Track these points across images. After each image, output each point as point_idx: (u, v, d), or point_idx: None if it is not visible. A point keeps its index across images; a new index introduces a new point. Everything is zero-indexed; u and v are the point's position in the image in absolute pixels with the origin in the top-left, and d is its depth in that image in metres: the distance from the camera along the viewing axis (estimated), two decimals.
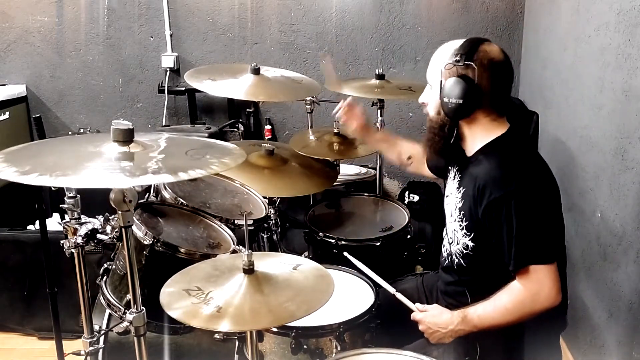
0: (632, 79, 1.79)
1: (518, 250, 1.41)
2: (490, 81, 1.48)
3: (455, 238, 1.59)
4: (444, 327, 1.53)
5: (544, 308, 1.42)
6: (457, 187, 1.60)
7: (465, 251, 1.56)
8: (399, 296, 1.65)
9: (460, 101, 1.46)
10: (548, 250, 1.43)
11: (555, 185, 1.54)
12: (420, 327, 1.58)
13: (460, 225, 1.56)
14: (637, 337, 1.76)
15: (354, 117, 2.10)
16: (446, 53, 1.53)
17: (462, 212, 1.54)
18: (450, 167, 1.68)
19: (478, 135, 1.55)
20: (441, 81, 1.51)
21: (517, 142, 1.55)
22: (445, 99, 1.49)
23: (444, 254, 1.69)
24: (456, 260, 1.60)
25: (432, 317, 1.56)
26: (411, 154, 2.04)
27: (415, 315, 1.60)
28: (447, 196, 1.67)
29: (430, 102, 1.60)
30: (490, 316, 1.47)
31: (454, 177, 1.64)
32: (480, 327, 1.49)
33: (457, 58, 1.47)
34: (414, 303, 1.63)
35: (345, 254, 1.85)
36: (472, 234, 1.53)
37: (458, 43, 1.52)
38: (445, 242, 1.69)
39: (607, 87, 1.97)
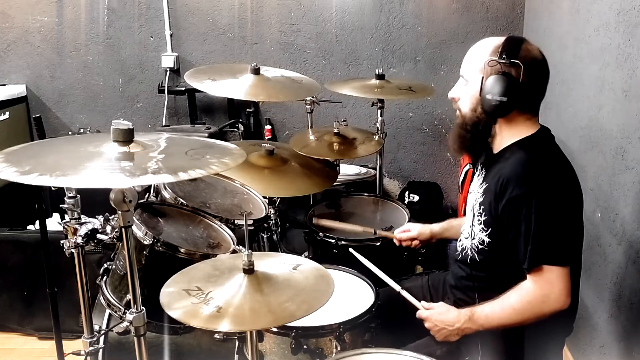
0: (632, 79, 1.79)
1: (534, 248, 1.41)
2: (531, 80, 1.47)
3: (472, 233, 1.58)
4: (450, 325, 1.53)
5: (552, 310, 1.42)
6: (480, 183, 1.59)
7: (480, 246, 1.55)
8: (405, 294, 1.65)
9: (504, 99, 1.45)
10: (563, 253, 1.43)
11: (579, 191, 1.52)
12: (426, 325, 1.58)
13: (478, 220, 1.55)
14: (637, 337, 1.76)
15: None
16: (485, 49, 1.51)
17: (482, 207, 1.54)
18: (476, 166, 1.68)
19: (509, 134, 1.54)
20: (482, 77, 1.49)
21: (546, 143, 1.54)
22: (489, 96, 1.46)
23: (459, 248, 1.68)
24: (470, 254, 1.60)
25: (438, 314, 1.56)
26: None
27: (421, 313, 1.60)
28: (470, 193, 1.67)
29: (464, 97, 1.57)
30: (498, 316, 1.47)
31: (479, 173, 1.64)
32: (487, 326, 1.49)
33: (503, 55, 1.45)
34: (419, 302, 1.63)
35: (351, 250, 1.85)
36: (490, 230, 1.52)
37: (497, 40, 1.51)
38: (462, 236, 1.69)
39: (607, 87, 1.97)
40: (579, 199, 1.52)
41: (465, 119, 1.58)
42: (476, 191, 1.60)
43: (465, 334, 1.53)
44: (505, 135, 1.55)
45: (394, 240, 2.02)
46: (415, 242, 1.99)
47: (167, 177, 1.13)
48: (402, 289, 1.67)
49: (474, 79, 1.52)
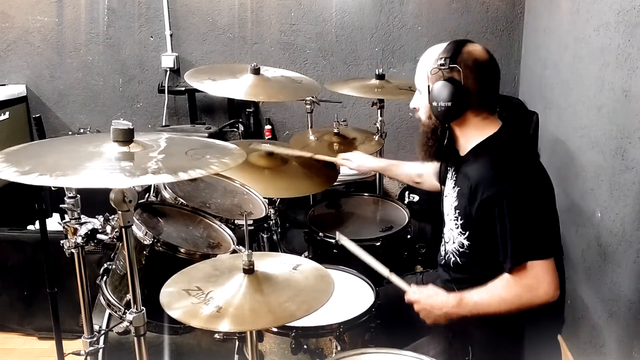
0: (632, 79, 1.79)
1: (514, 247, 1.42)
2: (476, 81, 1.49)
3: (452, 237, 1.60)
4: (438, 308, 1.53)
5: (541, 303, 1.42)
6: (453, 187, 1.61)
7: (461, 249, 1.57)
8: (394, 278, 1.65)
9: (449, 104, 1.48)
10: (544, 246, 1.43)
11: (548, 181, 1.54)
12: (416, 307, 1.58)
13: (455, 224, 1.56)
14: (637, 337, 1.76)
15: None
16: (431, 58, 1.55)
17: (458, 211, 1.56)
18: (448, 169, 1.69)
19: (470, 135, 1.56)
20: (429, 86, 1.52)
21: (509, 141, 1.55)
22: (435, 103, 1.50)
23: (442, 253, 1.70)
24: (452, 258, 1.61)
25: (427, 297, 1.56)
26: (421, 172, 2.04)
27: (410, 296, 1.60)
28: (445, 196, 1.68)
29: (421, 107, 1.62)
30: (486, 304, 1.47)
31: (451, 177, 1.65)
32: (474, 312, 1.50)
33: (442, 62, 1.49)
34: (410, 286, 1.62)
35: (338, 233, 1.85)
36: (467, 233, 1.53)
37: (440, 47, 1.54)
38: (443, 240, 1.70)
39: (607, 87, 1.97)
40: (548, 189, 1.53)
41: (424, 127, 1.62)
42: (450, 195, 1.61)
43: (453, 317, 1.53)
44: (469, 137, 1.56)
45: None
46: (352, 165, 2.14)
47: (167, 177, 1.13)
48: (390, 272, 1.67)
49: (424, 88, 1.57)
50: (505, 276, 1.45)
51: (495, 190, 1.42)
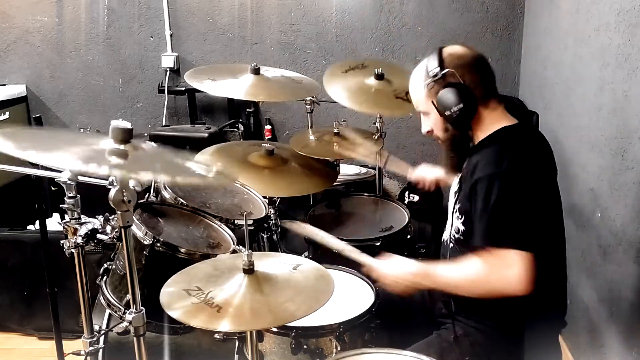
0: (632, 79, 1.79)
1: (490, 227, 1.40)
2: (472, 74, 1.50)
3: (451, 222, 1.60)
4: (403, 278, 1.52)
5: (510, 293, 1.38)
6: (460, 174, 1.61)
7: (457, 235, 1.56)
8: (349, 249, 1.66)
9: (461, 105, 1.48)
10: (523, 237, 1.39)
11: (554, 180, 1.53)
12: (373, 275, 1.59)
13: (454, 209, 1.57)
14: (637, 337, 1.76)
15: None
16: (419, 79, 1.57)
17: (458, 195, 1.57)
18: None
19: (486, 128, 1.55)
20: (432, 102, 1.52)
21: (522, 132, 1.54)
22: (447, 112, 1.50)
23: (443, 242, 1.70)
24: (450, 245, 1.61)
25: (388, 266, 1.56)
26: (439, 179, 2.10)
27: (366, 264, 1.60)
28: (451, 186, 1.69)
29: (434, 126, 1.61)
30: (453, 279, 1.47)
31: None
32: (443, 286, 1.50)
33: (434, 73, 1.50)
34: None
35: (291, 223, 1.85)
36: (463, 217, 1.53)
37: (422, 65, 1.56)
38: (445, 229, 1.70)
39: (607, 87, 1.97)
40: (552, 187, 1.52)
41: (446, 141, 1.61)
42: (455, 182, 1.64)
43: (416, 287, 1.53)
44: (484, 131, 1.56)
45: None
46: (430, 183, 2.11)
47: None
48: (347, 245, 1.67)
49: (428, 107, 1.56)
50: (476, 256, 1.43)
51: (490, 172, 1.42)
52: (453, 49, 1.53)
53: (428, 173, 2.13)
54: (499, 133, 1.52)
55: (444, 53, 1.52)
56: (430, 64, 1.53)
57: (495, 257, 1.39)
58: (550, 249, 1.52)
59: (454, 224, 1.58)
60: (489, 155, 1.47)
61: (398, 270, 1.54)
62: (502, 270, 1.39)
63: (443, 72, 1.49)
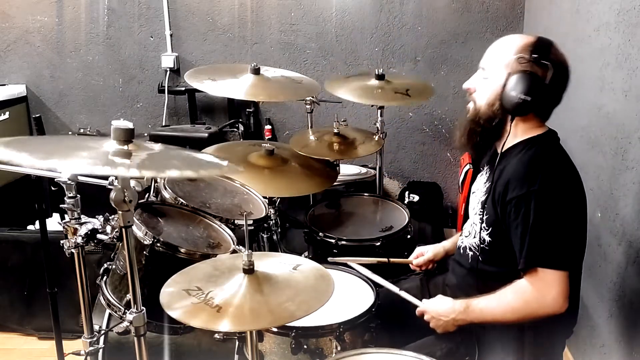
0: (632, 79, 1.79)
1: (530, 249, 1.39)
2: (557, 83, 1.46)
3: (474, 231, 1.58)
4: (445, 316, 1.53)
5: (548, 313, 1.40)
6: (485, 182, 1.59)
7: (481, 245, 1.54)
8: (404, 294, 1.65)
9: (528, 98, 1.42)
10: (561, 256, 1.40)
11: (583, 195, 1.50)
12: (426, 317, 1.58)
13: (480, 219, 1.54)
14: (637, 337, 1.76)
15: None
16: (513, 45, 1.48)
17: (485, 206, 1.53)
18: (479, 165, 1.68)
19: (519, 134, 1.53)
20: (508, 73, 1.46)
21: (551, 144, 1.53)
22: (513, 92, 1.43)
23: (460, 248, 1.68)
24: (471, 253, 1.60)
25: (434, 306, 1.56)
26: None
27: (420, 308, 1.60)
28: (473, 192, 1.66)
29: (482, 90, 1.54)
30: (493, 311, 1.47)
31: (483, 173, 1.64)
32: (480, 320, 1.49)
33: (534, 55, 1.43)
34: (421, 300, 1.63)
35: (345, 259, 1.84)
36: (490, 229, 1.51)
37: (527, 38, 1.48)
38: (463, 234, 1.68)
39: (607, 87, 1.97)
40: (582, 203, 1.50)
41: (479, 112, 1.54)
42: (480, 190, 1.59)
43: (460, 325, 1.52)
44: (517, 136, 1.53)
45: (411, 266, 1.95)
46: (432, 265, 1.92)
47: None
48: (400, 289, 1.67)
49: (497, 73, 1.49)
50: (516, 282, 1.44)
51: (525, 190, 1.40)
52: (560, 53, 1.48)
53: (433, 252, 1.93)
54: (529, 142, 1.50)
55: (552, 47, 1.47)
56: (535, 44, 1.45)
57: (536, 279, 1.40)
58: (579, 263, 1.52)
59: (477, 235, 1.55)
60: (519, 169, 1.44)
61: (441, 310, 1.54)
62: (543, 292, 1.39)
63: (544, 61, 1.43)
